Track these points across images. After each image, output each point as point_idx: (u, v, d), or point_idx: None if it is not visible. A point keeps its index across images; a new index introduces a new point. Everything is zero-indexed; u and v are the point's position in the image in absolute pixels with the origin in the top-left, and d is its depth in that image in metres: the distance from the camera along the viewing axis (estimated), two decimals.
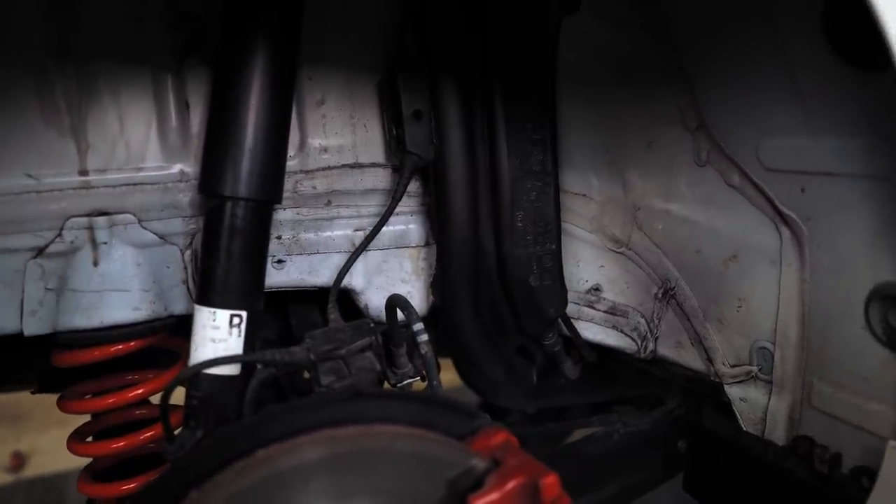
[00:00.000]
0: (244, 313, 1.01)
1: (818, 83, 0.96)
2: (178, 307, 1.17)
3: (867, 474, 0.96)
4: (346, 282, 1.25)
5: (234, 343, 1.01)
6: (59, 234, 1.08)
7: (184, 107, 1.14)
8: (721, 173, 1.16)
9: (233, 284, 1.01)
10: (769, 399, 1.14)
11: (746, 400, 1.18)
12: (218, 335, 1.00)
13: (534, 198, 1.20)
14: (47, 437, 3.63)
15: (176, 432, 0.98)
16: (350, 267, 1.21)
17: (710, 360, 1.23)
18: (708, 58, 1.12)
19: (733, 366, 1.20)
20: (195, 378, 1.00)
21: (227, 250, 1.01)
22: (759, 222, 1.11)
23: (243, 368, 1.02)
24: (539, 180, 1.20)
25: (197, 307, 1.02)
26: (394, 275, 1.31)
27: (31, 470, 3.63)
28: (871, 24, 0.71)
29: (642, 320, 1.35)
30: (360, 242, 1.22)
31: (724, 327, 1.21)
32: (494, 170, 1.18)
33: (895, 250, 0.91)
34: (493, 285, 1.24)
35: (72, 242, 1.09)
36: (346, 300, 1.30)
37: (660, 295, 1.31)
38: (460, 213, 1.19)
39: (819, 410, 1.06)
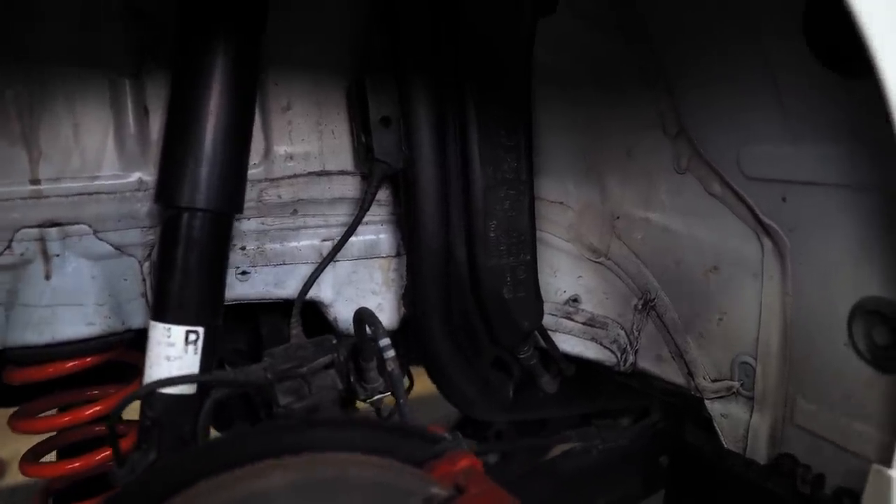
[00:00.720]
0: (201, 329, 0.98)
1: (799, 89, 0.92)
2: (137, 321, 1.12)
3: (850, 496, 0.93)
4: (314, 294, 1.21)
5: (189, 361, 0.97)
6: (9, 246, 1.03)
7: (143, 113, 1.09)
8: (701, 181, 1.12)
9: (189, 299, 0.97)
10: (751, 415, 1.10)
11: (728, 416, 1.15)
12: (173, 353, 0.96)
13: (507, 207, 1.16)
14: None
15: None
16: (316, 279, 1.17)
17: (690, 374, 1.19)
18: (687, 61, 1.09)
19: (714, 380, 1.16)
20: (149, 398, 0.96)
21: (183, 263, 0.97)
22: (741, 232, 1.07)
23: (199, 388, 0.98)
24: (513, 189, 1.16)
25: (152, 323, 0.98)
26: (364, 286, 1.27)
27: (13, 477, 3.57)
28: (852, 30, 0.68)
29: (622, 332, 1.31)
30: (328, 253, 1.18)
31: (704, 341, 1.17)
32: (466, 178, 1.14)
33: (879, 264, 0.87)
34: (466, 297, 1.20)
35: (22, 255, 1.04)
36: (316, 313, 1.25)
37: (640, 306, 1.27)
38: (431, 223, 1.14)
39: (802, 428, 1.03)
